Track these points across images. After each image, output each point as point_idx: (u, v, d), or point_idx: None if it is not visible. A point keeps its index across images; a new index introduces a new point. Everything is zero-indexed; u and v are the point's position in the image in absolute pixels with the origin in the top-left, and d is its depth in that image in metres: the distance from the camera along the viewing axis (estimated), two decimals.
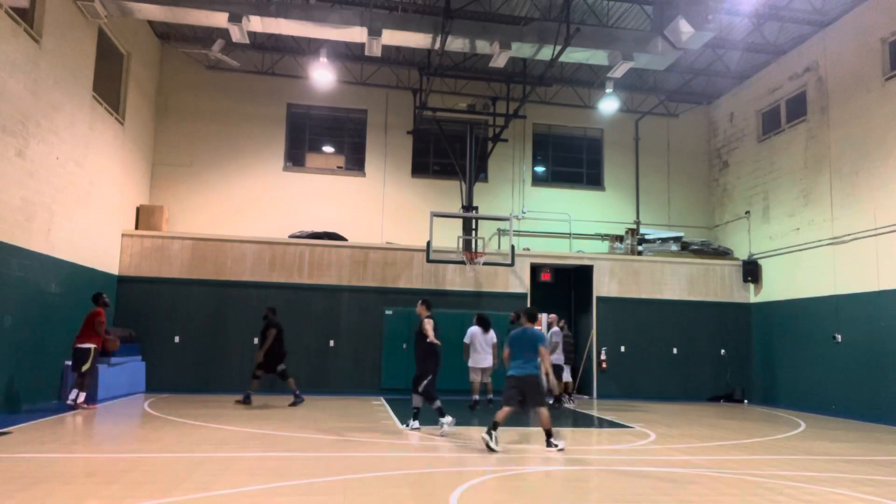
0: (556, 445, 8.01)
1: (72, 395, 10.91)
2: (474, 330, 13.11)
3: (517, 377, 8.08)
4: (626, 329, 16.66)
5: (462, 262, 15.55)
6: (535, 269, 17.08)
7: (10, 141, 10.06)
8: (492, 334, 13.20)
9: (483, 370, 13.09)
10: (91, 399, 11.11)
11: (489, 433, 7.82)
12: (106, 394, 12.37)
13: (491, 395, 13.21)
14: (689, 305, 17.05)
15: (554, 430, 8.22)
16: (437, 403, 9.22)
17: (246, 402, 12.03)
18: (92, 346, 10.89)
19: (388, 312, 15.63)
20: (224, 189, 16.92)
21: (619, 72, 14.25)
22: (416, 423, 9.46)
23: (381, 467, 6.69)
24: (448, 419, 9.16)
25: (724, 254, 17.96)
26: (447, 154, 17.08)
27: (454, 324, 15.86)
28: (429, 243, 15.06)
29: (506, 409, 8.02)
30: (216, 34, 15.62)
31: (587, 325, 17.23)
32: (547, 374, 8.26)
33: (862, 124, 13.88)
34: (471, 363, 13.03)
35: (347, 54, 17.18)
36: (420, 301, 10.03)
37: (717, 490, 6.05)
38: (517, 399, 8.04)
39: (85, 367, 10.83)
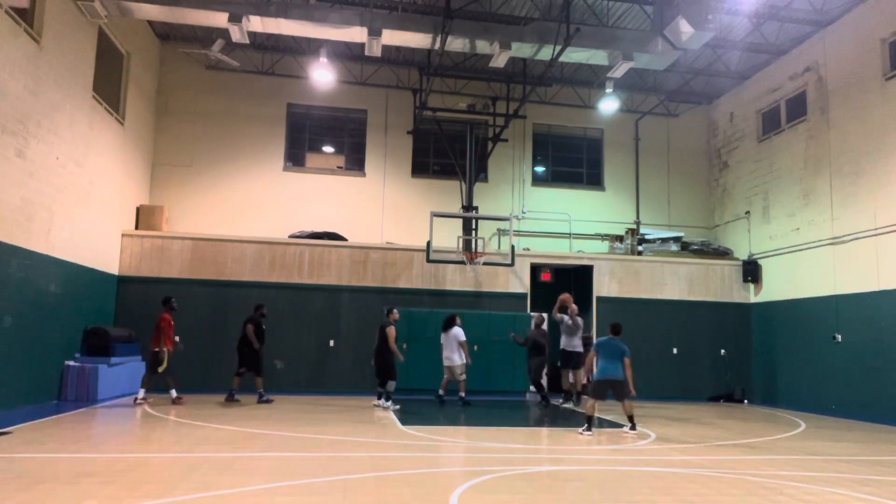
0: (634, 427, 9.81)
1: (139, 394, 11.72)
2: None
3: (610, 380, 9.83)
4: (626, 329, 16.39)
5: (462, 262, 15.55)
6: (535, 269, 17.07)
7: (10, 141, 10.06)
8: (454, 333, 13.10)
9: (449, 368, 13.16)
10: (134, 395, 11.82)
11: (589, 428, 9.57)
12: (106, 394, 12.39)
13: (463, 394, 13.21)
14: (689, 305, 17.05)
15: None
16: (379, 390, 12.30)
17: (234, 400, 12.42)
18: (164, 349, 11.69)
19: None
20: (224, 189, 16.92)
21: (619, 72, 14.25)
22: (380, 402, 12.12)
23: (381, 467, 6.69)
24: (384, 403, 12.06)
25: (724, 254, 17.96)
26: (447, 154, 17.09)
27: None
28: (429, 243, 15.06)
29: (594, 402, 9.89)
30: (216, 34, 15.62)
31: (587, 325, 17.20)
32: (631, 378, 9.97)
33: (862, 124, 13.88)
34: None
35: (347, 54, 17.18)
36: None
37: (717, 490, 6.05)
38: (605, 394, 9.98)
39: (161, 369, 11.66)
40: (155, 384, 12.08)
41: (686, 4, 12.79)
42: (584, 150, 19.26)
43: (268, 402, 12.37)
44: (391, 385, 12.24)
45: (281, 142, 17.47)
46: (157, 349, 11.69)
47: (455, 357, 13.02)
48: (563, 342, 13.60)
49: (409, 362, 13.96)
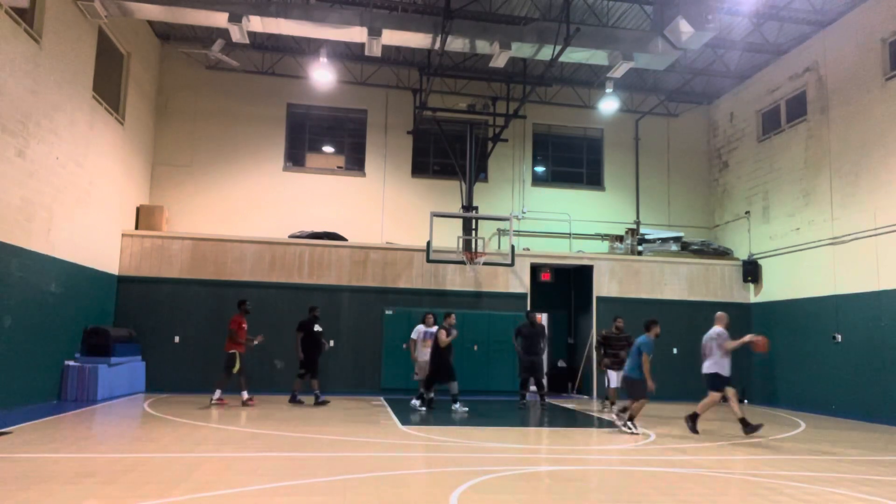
0: (632, 428, 9.82)
1: (215, 395, 11.91)
2: None
3: (625, 377, 10.07)
4: (626, 329, 16.56)
5: (462, 262, 15.55)
6: (535, 269, 17.08)
7: (10, 141, 10.06)
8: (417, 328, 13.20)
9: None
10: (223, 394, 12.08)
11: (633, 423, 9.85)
12: (106, 394, 12.40)
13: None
14: (689, 305, 17.04)
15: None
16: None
17: (298, 402, 12.67)
18: (234, 351, 11.89)
19: (388, 312, 15.63)
20: (224, 189, 16.92)
21: (619, 72, 14.25)
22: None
23: (382, 467, 6.69)
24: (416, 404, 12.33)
25: (724, 254, 17.96)
26: (447, 154, 17.09)
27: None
28: (429, 243, 15.06)
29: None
30: (216, 34, 15.62)
31: (587, 325, 17.22)
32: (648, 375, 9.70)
33: (862, 124, 13.88)
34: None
35: (347, 54, 17.18)
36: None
37: (717, 490, 6.05)
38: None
39: (235, 369, 11.86)
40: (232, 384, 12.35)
41: (686, 4, 12.78)
42: (584, 150, 19.26)
43: (299, 402, 12.53)
44: (453, 386, 12.39)
45: (281, 142, 17.47)
46: (231, 351, 11.95)
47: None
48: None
49: (408, 362, 13.97)
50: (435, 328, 12.94)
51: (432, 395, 12.71)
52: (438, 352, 12.21)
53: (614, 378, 12.80)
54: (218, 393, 11.98)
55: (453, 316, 12.70)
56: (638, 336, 10.18)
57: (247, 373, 12.27)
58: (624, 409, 10.35)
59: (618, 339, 13.04)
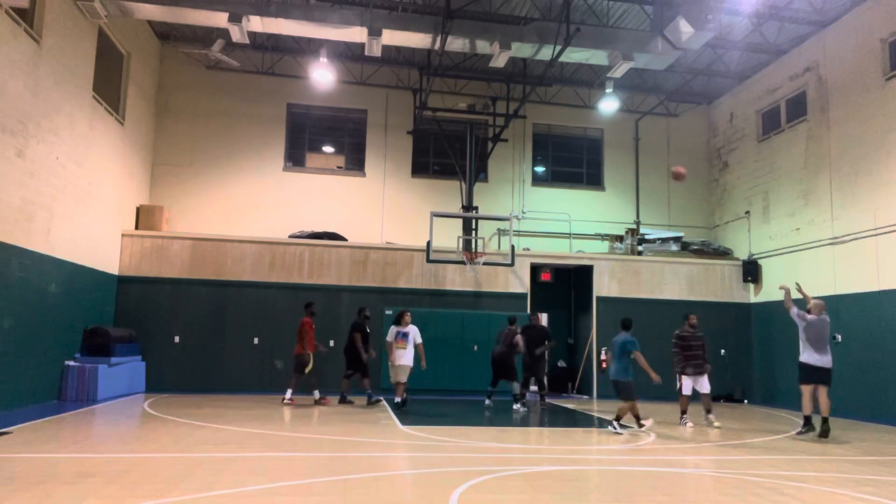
0: (615, 427, 9.75)
1: (287, 395, 12.24)
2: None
3: (612, 380, 10.19)
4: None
5: (462, 262, 15.56)
6: (535, 269, 17.08)
7: (10, 141, 10.06)
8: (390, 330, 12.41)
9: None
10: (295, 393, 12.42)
11: (618, 423, 9.87)
12: (106, 394, 12.39)
13: (398, 399, 12.17)
14: (689, 305, 17.01)
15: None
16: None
17: (347, 402, 12.84)
18: (308, 352, 12.26)
19: (388, 312, 15.62)
20: (224, 189, 16.92)
21: (619, 72, 14.25)
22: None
23: (381, 467, 6.69)
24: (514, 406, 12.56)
25: (724, 254, 17.96)
26: (447, 154, 17.09)
27: (454, 324, 15.90)
28: (429, 243, 15.07)
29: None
30: (216, 34, 15.63)
31: (587, 325, 17.22)
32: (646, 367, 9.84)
33: (862, 124, 13.88)
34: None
35: (347, 54, 17.18)
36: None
37: (717, 490, 6.04)
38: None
39: (308, 369, 12.26)
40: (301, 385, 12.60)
41: (686, 4, 12.79)
42: (584, 150, 19.27)
43: (377, 401, 12.67)
44: (515, 386, 12.75)
45: (281, 142, 17.47)
46: (301, 352, 12.18)
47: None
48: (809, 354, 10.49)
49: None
50: (407, 328, 12.09)
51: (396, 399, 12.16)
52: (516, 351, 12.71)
53: (705, 383, 11.47)
54: (289, 393, 12.22)
55: (517, 323, 13.17)
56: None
57: (317, 373, 12.74)
58: (684, 412, 10.56)
59: (695, 338, 11.36)
